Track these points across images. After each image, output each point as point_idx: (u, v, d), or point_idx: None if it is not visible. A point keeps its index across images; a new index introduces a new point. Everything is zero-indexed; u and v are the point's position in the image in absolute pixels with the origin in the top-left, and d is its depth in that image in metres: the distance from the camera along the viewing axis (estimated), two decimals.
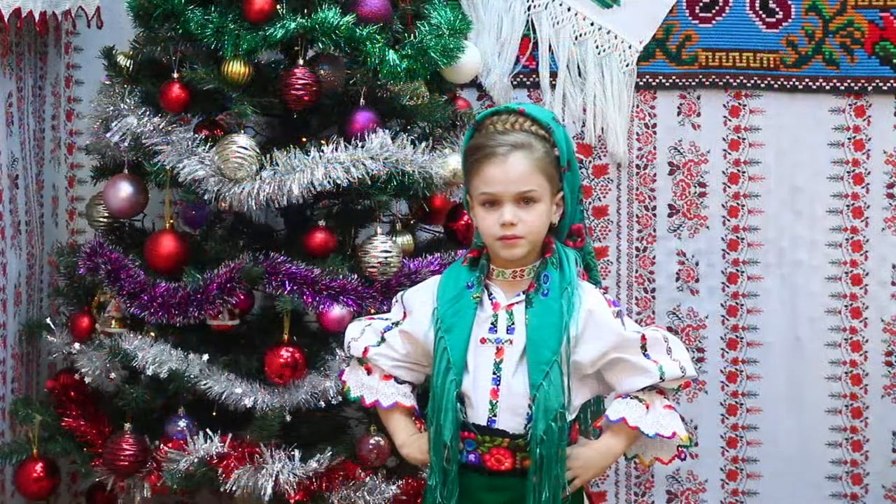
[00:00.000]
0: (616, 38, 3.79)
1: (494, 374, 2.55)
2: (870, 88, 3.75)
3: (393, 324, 2.70)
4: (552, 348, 2.51)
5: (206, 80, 3.14)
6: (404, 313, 2.69)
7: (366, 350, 2.69)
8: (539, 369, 2.50)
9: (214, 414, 3.18)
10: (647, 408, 2.58)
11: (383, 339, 2.70)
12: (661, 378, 2.57)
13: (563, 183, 2.58)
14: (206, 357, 3.16)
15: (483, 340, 2.56)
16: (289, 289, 3.14)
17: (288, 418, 3.14)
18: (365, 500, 3.15)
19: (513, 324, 2.56)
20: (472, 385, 2.55)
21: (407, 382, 2.71)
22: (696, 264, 3.83)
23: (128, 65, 3.32)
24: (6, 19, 3.20)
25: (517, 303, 2.57)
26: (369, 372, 2.72)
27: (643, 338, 2.57)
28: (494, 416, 2.54)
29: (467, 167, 2.59)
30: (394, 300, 2.74)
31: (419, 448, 2.67)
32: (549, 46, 3.79)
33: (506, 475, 2.55)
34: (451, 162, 3.27)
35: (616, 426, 2.59)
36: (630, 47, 3.79)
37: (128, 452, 3.17)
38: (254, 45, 3.12)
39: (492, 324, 2.57)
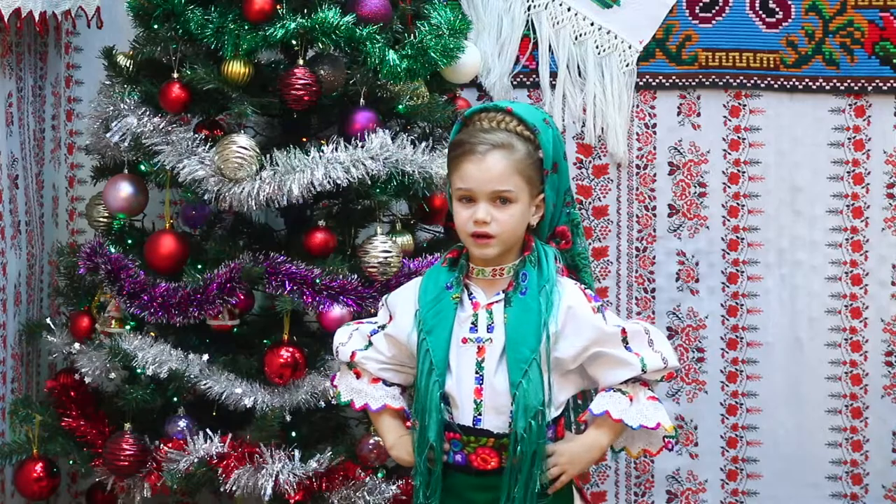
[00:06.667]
0: (616, 38, 3.79)
1: (477, 373, 2.55)
2: (870, 88, 3.75)
3: (379, 327, 2.71)
4: (531, 346, 2.51)
5: (206, 80, 3.14)
6: (390, 316, 2.70)
7: (353, 354, 2.71)
8: (518, 368, 2.51)
9: (214, 414, 3.18)
10: (631, 400, 2.58)
11: (370, 343, 2.71)
12: (642, 370, 2.58)
13: (544, 185, 2.58)
14: (206, 357, 3.17)
15: (465, 340, 2.57)
16: (289, 289, 3.14)
17: (288, 418, 3.14)
18: (365, 500, 3.15)
19: (492, 322, 2.57)
20: (456, 385, 2.56)
21: (396, 385, 2.71)
22: (696, 264, 3.83)
23: (128, 65, 3.32)
24: (6, 19, 3.20)
25: (497, 301, 2.57)
26: (358, 376, 2.73)
27: (623, 331, 2.58)
28: (480, 415, 2.55)
29: (449, 162, 2.60)
30: (380, 303, 2.76)
31: (406, 449, 2.66)
32: (549, 46, 3.79)
33: (492, 474, 2.56)
34: None
35: (600, 419, 2.59)
36: (630, 47, 3.79)
37: (128, 452, 3.17)
38: (254, 45, 3.12)
39: (472, 323, 2.58)
